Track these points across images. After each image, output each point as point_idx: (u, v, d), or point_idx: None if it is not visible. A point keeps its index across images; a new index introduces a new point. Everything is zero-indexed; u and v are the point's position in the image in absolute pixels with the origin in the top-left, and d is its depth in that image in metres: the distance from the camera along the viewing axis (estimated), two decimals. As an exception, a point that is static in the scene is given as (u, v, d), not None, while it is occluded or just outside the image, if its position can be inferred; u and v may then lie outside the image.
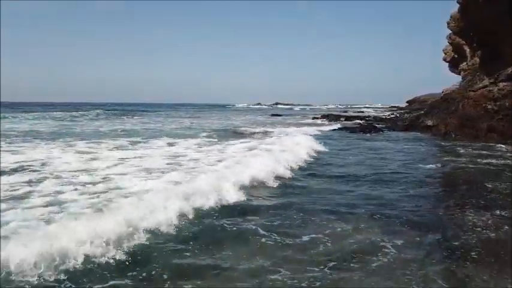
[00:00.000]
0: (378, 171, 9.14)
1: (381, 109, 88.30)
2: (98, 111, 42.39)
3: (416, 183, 7.86)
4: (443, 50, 36.58)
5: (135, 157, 9.55)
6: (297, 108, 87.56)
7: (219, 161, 8.94)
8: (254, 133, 18.92)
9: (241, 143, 13.42)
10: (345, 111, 62.40)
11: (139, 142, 13.18)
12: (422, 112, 34.87)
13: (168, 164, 8.58)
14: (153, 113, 45.84)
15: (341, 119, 31.79)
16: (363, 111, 67.19)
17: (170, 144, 12.76)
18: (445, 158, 11.70)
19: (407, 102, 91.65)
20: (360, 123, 23.92)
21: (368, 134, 19.59)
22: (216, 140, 14.97)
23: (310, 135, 15.77)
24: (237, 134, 18.33)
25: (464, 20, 19.81)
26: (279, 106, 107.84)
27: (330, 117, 33.52)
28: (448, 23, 23.23)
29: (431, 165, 10.14)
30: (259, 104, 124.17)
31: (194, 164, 8.70)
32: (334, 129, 21.60)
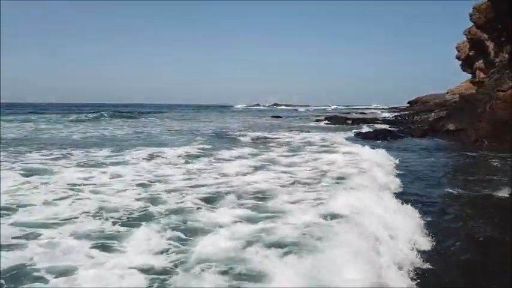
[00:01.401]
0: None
1: (383, 110, 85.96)
2: (102, 112, 39.53)
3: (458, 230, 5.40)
4: (456, 47, 34.20)
5: (94, 184, 6.96)
6: (301, 109, 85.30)
7: (210, 197, 6.17)
8: (254, 140, 16.39)
9: (240, 156, 10.88)
10: (348, 113, 60.18)
11: (114, 155, 10.60)
12: (427, 112, 32.44)
13: (138, 199, 5.94)
14: (148, 115, 43.16)
15: (348, 121, 29.23)
16: (365, 113, 64.93)
17: (151, 158, 10.21)
18: (484, 176, 9.26)
19: (408, 102, 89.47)
20: (375, 128, 21.17)
21: (383, 141, 17.12)
22: (209, 148, 12.43)
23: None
24: (235, 141, 15.79)
25: (493, 9, 17.41)
26: (278, 107, 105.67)
27: (335, 120, 30.89)
28: (470, 15, 20.82)
29: (465, 191, 7.68)
30: (257, 104, 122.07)
31: (178, 199, 6.04)
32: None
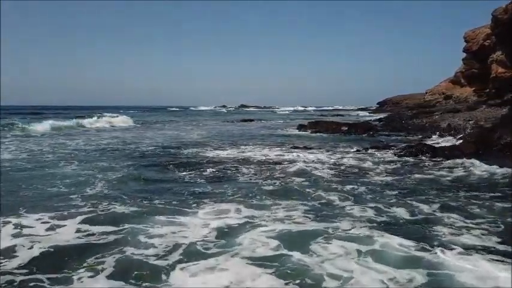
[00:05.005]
0: None
1: (353, 111, 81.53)
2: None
3: None
4: (464, 38, 28.48)
5: None
6: (285, 111, 79.33)
7: None
8: (220, 169, 9.16)
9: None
10: (324, 115, 54.27)
11: None
12: (427, 115, 25.94)
13: None
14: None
15: (343, 128, 22.41)
16: (342, 114, 59.32)
17: None
18: None
19: (378, 103, 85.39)
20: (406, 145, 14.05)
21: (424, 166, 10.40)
22: (108, 228, 5.14)
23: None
24: (183, 186, 8.49)
25: None
26: (246, 109, 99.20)
27: (323, 127, 23.70)
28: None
29: None
30: (224, 106, 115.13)
31: None
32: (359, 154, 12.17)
